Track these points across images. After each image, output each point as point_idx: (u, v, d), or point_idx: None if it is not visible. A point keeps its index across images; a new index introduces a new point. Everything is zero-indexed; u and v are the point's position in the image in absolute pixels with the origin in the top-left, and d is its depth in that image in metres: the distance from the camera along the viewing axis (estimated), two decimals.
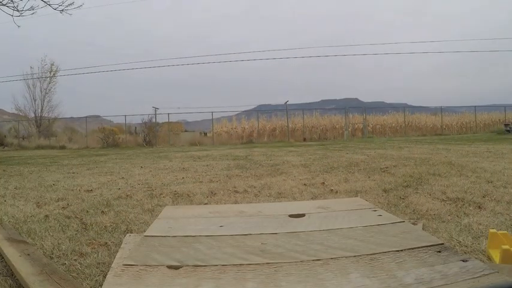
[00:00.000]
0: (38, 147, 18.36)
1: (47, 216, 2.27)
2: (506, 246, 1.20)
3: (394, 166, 4.50)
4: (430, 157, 5.60)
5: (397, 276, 0.73)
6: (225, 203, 2.61)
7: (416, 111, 25.86)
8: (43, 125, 23.18)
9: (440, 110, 24.08)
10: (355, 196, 2.66)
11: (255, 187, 3.28)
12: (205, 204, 2.61)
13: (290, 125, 21.84)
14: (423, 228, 1.66)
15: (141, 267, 0.83)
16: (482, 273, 0.71)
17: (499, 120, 23.11)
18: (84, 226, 2.01)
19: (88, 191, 3.34)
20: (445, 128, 23.31)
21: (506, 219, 1.95)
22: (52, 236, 1.81)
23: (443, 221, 1.93)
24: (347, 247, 0.93)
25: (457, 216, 2.03)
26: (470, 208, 2.21)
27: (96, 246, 1.61)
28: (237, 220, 1.28)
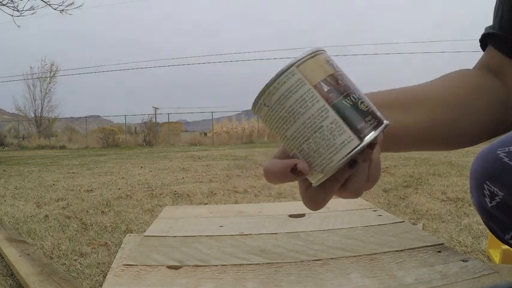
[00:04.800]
0: (38, 147, 18.37)
1: (47, 216, 2.27)
2: (506, 246, 1.20)
3: (394, 166, 4.50)
4: (430, 157, 5.60)
5: (397, 276, 0.73)
6: (225, 203, 2.61)
7: None
8: (43, 125, 23.19)
9: None
10: None
11: (255, 187, 3.28)
12: (205, 204, 2.61)
13: None
14: (423, 228, 1.66)
15: (141, 267, 0.83)
16: (482, 273, 0.71)
17: None
18: (84, 226, 2.01)
19: (88, 191, 3.34)
20: None
21: None
22: (52, 236, 1.81)
23: (443, 221, 1.93)
24: (347, 247, 0.93)
25: (457, 216, 2.03)
26: (470, 208, 2.21)
27: (96, 246, 1.62)
28: (237, 220, 1.28)
